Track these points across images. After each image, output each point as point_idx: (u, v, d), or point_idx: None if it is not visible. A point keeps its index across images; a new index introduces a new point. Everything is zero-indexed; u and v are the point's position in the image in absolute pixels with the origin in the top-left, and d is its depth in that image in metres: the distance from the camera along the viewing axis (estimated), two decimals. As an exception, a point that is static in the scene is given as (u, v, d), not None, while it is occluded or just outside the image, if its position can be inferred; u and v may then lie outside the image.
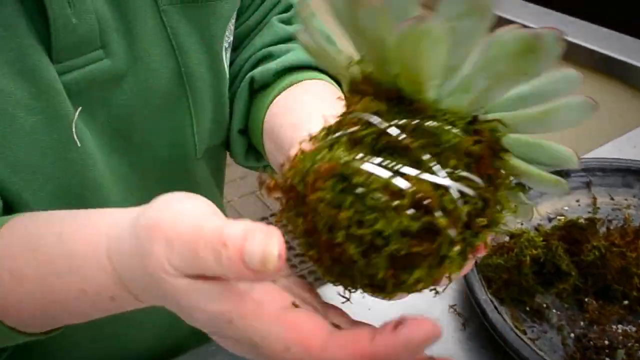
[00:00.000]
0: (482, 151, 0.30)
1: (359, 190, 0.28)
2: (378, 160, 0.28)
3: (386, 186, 0.27)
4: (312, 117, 0.49)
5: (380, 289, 0.30)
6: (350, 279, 0.30)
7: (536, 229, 0.65)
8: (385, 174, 0.28)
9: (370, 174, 0.28)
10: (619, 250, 0.57)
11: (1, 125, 0.43)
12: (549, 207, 0.71)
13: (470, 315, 0.59)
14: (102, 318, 0.55)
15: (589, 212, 0.69)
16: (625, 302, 0.57)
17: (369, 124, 0.29)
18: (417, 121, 0.29)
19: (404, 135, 0.29)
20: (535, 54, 0.27)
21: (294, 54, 0.57)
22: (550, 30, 0.27)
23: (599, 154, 0.83)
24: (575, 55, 1.19)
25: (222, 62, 0.55)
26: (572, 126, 0.31)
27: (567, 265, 0.56)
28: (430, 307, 0.60)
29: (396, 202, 0.27)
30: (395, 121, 0.29)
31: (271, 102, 0.56)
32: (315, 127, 0.44)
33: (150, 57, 0.50)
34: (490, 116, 0.31)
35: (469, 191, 0.29)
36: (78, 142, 0.47)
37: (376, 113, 0.29)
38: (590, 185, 0.72)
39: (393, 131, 0.29)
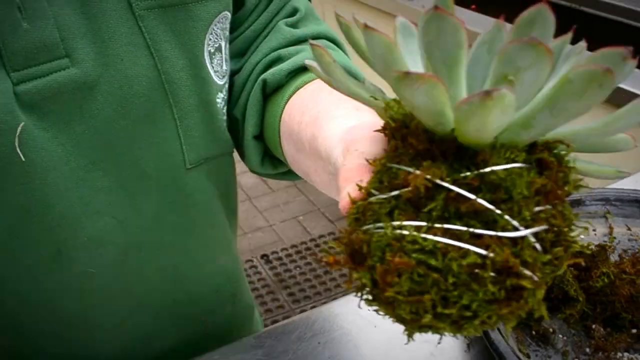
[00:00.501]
0: (550, 186, 0.29)
1: (439, 269, 0.27)
2: (450, 228, 0.27)
3: (465, 258, 0.27)
4: (331, 111, 0.48)
5: (470, 335, 0.31)
6: (438, 333, 0.30)
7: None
8: (462, 244, 0.27)
9: (446, 249, 0.27)
10: (629, 278, 0.57)
11: None
12: (564, 234, 0.70)
13: (476, 337, 0.59)
14: (68, 324, 0.54)
15: (605, 242, 0.69)
16: (634, 330, 0.56)
17: (434, 187, 0.28)
18: (481, 174, 0.28)
19: (471, 196, 0.28)
20: (604, 88, 0.26)
21: (304, 55, 0.57)
22: (615, 52, 0.26)
23: (619, 186, 0.83)
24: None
25: (206, 68, 0.54)
26: (633, 126, 0.30)
27: (575, 291, 0.56)
28: (436, 327, 0.60)
29: (478, 273, 0.27)
30: (460, 180, 0.28)
31: (286, 102, 0.55)
32: (335, 125, 0.45)
33: (125, 64, 0.48)
34: (550, 137, 0.30)
35: (543, 228, 0.28)
36: (22, 157, 0.45)
37: (440, 177, 0.28)
38: (607, 215, 0.72)
39: (466, 194, 0.28)
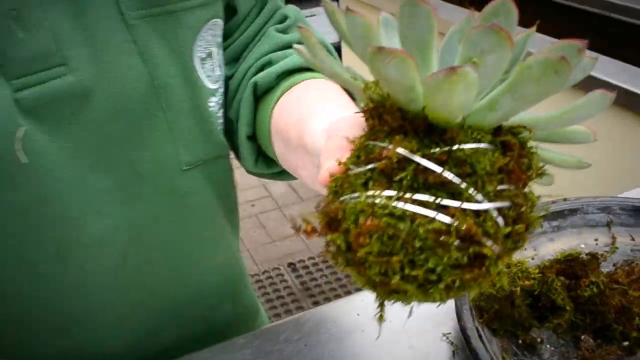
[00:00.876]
0: (512, 166, 0.31)
1: (406, 233, 0.29)
2: (418, 197, 0.29)
3: (431, 225, 0.29)
4: (316, 110, 0.50)
5: (437, 302, 0.32)
6: (407, 300, 0.31)
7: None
8: (429, 212, 0.29)
9: (414, 216, 0.29)
10: (622, 288, 0.56)
11: None
12: (564, 243, 0.69)
13: (463, 345, 0.58)
14: (70, 321, 0.56)
15: (606, 252, 0.67)
16: (626, 343, 0.55)
17: (404, 160, 0.30)
18: (449, 150, 0.30)
19: (439, 169, 0.30)
20: (560, 74, 0.28)
21: (294, 58, 0.59)
22: (571, 44, 0.28)
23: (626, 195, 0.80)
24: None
25: (196, 73, 0.56)
26: (589, 118, 0.32)
27: (562, 300, 0.55)
28: (423, 333, 0.60)
29: (443, 239, 0.29)
30: (430, 154, 0.30)
31: (276, 102, 0.57)
32: (320, 122, 0.47)
33: (119, 71, 0.50)
34: (514, 122, 0.33)
35: (505, 204, 0.30)
36: (23, 159, 0.47)
37: (410, 150, 0.31)
38: (610, 225, 0.70)
39: (432, 166, 0.30)
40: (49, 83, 0.47)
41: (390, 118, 0.32)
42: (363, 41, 0.31)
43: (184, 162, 0.57)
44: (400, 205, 0.29)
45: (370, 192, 0.30)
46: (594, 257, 0.58)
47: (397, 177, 0.30)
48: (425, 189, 0.30)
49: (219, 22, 0.58)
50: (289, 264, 2.01)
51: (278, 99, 0.58)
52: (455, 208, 0.29)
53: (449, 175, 0.30)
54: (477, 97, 0.31)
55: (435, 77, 0.27)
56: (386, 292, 0.31)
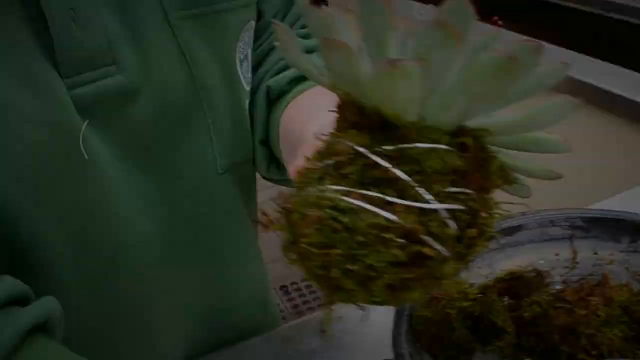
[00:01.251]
0: (467, 166, 0.31)
1: (349, 227, 0.29)
2: (365, 193, 0.29)
3: (374, 221, 0.29)
4: (317, 116, 0.50)
5: (383, 304, 0.31)
6: (353, 300, 0.31)
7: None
8: (372, 208, 0.29)
9: (359, 210, 0.29)
10: (570, 307, 0.52)
11: (4, 136, 0.43)
12: (522, 260, 0.65)
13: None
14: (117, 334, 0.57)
15: (566, 267, 0.63)
16: (573, 366, 0.51)
17: (356, 155, 0.31)
18: (401, 148, 0.30)
19: (389, 166, 0.30)
20: (511, 75, 0.28)
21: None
22: (524, 45, 0.28)
23: (605, 206, 0.76)
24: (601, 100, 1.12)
25: (237, 74, 0.57)
26: (553, 125, 0.32)
27: (503, 322, 0.51)
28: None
29: (384, 236, 0.28)
30: (381, 151, 0.30)
31: (285, 107, 0.58)
32: (316, 127, 0.47)
33: (164, 72, 0.51)
34: (475, 125, 0.32)
35: (457, 207, 0.30)
36: (86, 155, 0.48)
37: (363, 146, 0.31)
38: (572, 239, 0.66)
39: (379, 161, 0.30)
40: (100, 82, 0.48)
41: (350, 114, 0.33)
42: (320, 34, 0.31)
43: (220, 165, 0.58)
44: (346, 199, 0.29)
45: (321, 187, 0.30)
46: (539, 274, 0.54)
47: (345, 171, 0.30)
48: (375, 185, 0.30)
49: (254, 25, 0.59)
50: (282, 287, 1.97)
51: (288, 103, 0.58)
52: (400, 206, 0.29)
53: (397, 172, 0.29)
54: (433, 96, 0.30)
55: (377, 68, 0.27)
56: (331, 288, 0.30)
